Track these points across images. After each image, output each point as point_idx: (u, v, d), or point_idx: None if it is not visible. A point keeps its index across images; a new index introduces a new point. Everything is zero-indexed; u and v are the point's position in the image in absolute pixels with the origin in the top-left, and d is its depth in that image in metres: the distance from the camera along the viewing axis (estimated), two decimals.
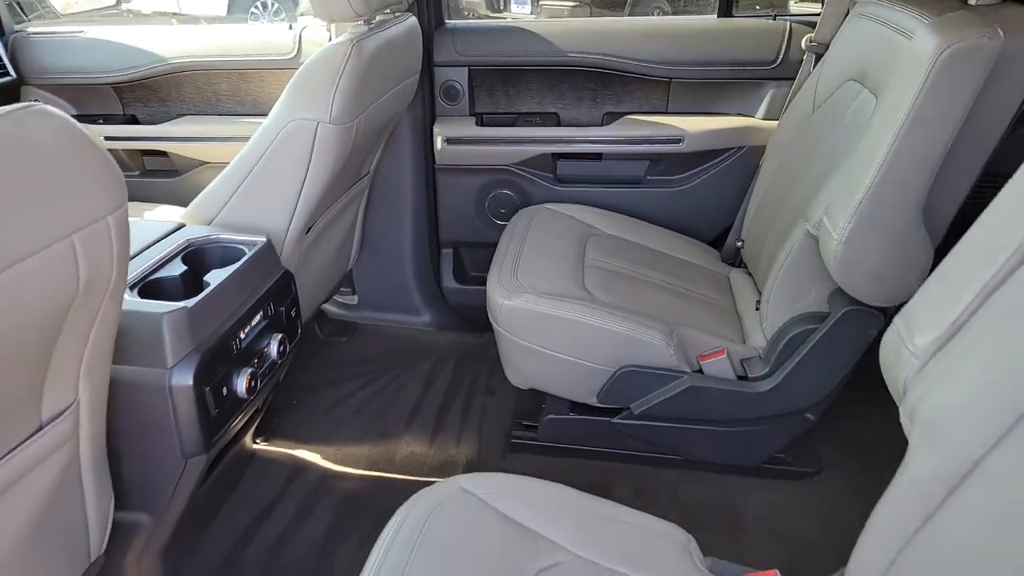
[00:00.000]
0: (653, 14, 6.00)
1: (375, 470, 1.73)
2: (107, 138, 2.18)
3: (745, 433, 1.62)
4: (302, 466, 1.74)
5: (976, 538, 0.75)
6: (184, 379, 1.17)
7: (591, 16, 6.03)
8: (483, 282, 2.14)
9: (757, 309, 1.65)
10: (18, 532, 0.98)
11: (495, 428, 1.87)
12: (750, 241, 1.83)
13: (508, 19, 5.55)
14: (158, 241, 1.38)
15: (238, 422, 1.38)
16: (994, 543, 0.72)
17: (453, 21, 2.16)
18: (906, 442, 0.87)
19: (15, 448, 0.92)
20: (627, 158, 2.13)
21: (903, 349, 0.93)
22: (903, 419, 0.91)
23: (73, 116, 1.04)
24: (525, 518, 1.01)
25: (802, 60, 1.88)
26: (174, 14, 7.02)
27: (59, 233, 0.82)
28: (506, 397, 1.98)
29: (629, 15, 6.02)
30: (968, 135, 1.20)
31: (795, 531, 1.57)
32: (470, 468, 1.75)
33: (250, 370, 1.31)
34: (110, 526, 1.20)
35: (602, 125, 2.11)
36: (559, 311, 1.54)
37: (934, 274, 0.95)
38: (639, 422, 1.63)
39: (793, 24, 2.01)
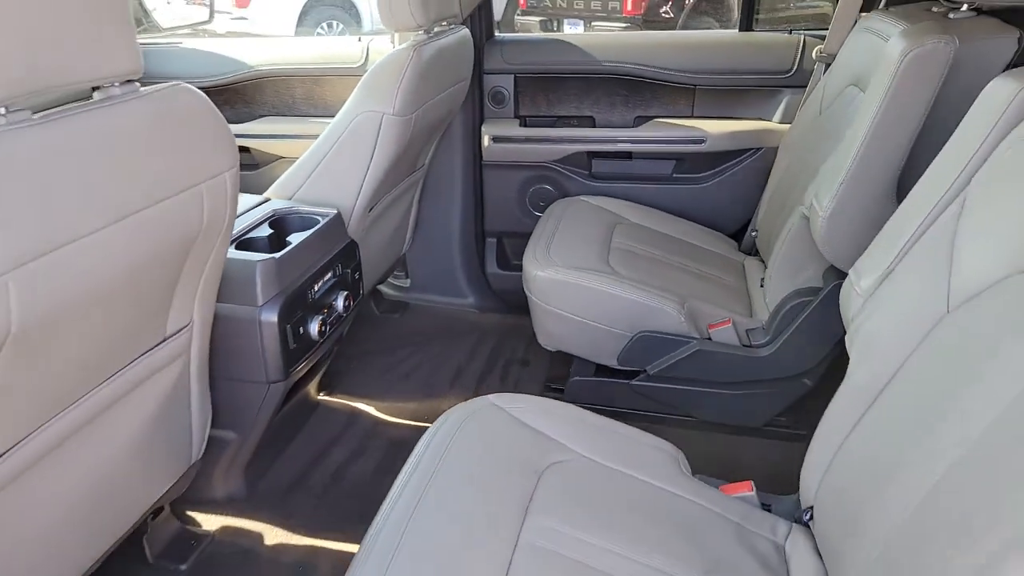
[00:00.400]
0: None
1: (419, 420, 1.97)
2: None
3: (749, 396, 1.81)
4: (357, 415, 2.00)
5: (896, 430, 0.95)
6: (271, 316, 1.44)
7: None
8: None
9: (762, 286, 1.85)
10: (141, 426, 1.25)
11: (527, 390, 2.10)
12: (762, 230, 2.03)
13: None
14: (250, 210, 1.67)
15: (308, 363, 1.64)
16: (909, 433, 0.92)
17: (501, 34, 2.43)
18: None
19: (145, 352, 1.18)
20: (655, 157, 2.35)
21: (852, 292, 1.14)
22: (847, 345, 1.12)
23: None
24: (542, 427, 1.23)
25: (813, 69, 2.08)
26: (246, 33, 7.51)
27: (193, 181, 1.09)
28: (539, 367, 2.21)
29: None
30: (934, 124, 1.39)
31: (786, 475, 1.74)
32: None
33: (321, 317, 1.57)
34: (207, 437, 1.47)
35: (633, 127, 2.35)
36: (584, 281, 1.76)
37: (879, 234, 1.15)
38: (654, 384, 1.84)
39: (807, 38, 2.22)
